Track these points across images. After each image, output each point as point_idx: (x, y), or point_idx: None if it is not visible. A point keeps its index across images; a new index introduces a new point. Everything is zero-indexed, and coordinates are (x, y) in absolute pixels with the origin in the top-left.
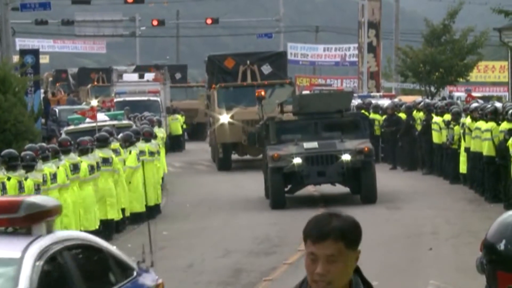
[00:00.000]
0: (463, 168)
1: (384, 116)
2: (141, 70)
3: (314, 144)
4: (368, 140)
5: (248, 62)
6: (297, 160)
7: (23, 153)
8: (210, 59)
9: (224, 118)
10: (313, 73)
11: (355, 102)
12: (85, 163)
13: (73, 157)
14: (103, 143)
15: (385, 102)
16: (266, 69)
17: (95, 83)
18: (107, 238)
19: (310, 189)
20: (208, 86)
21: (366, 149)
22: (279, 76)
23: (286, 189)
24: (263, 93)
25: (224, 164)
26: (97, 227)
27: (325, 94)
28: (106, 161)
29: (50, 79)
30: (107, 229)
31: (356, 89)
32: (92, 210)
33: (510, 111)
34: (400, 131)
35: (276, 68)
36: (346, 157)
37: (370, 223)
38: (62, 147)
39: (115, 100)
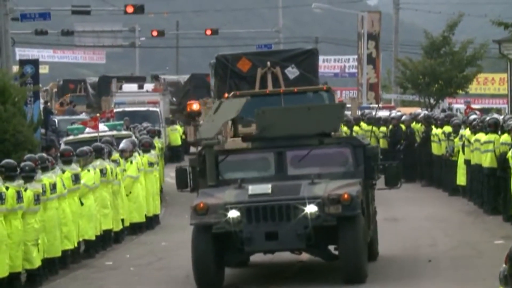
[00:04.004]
0: (460, 180)
1: (383, 128)
2: (196, 78)
3: (264, 188)
4: (359, 181)
5: (268, 63)
6: (233, 214)
7: (22, 164)
8: (218, 60)
9: None
10: None
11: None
12: (92, 171)
13: (75, 167)
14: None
15: (386, 114)
16: (292, 72)
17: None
18: (104, 248)
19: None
20: (216, 95)
21: (345, 196)
22: (310, 81)
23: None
24: (196, 106)
25: None
26: (94, 237)
27: (300, 108)
28: (100, 171)
29: (55, 90)
30: (103, 239)
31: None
32: (93, 220)
33: (508, 123)
34: (404, 143)
35: (305, 70)
36: (311, 209)
37: None
38: (64, 157)
39: (114, 110)
